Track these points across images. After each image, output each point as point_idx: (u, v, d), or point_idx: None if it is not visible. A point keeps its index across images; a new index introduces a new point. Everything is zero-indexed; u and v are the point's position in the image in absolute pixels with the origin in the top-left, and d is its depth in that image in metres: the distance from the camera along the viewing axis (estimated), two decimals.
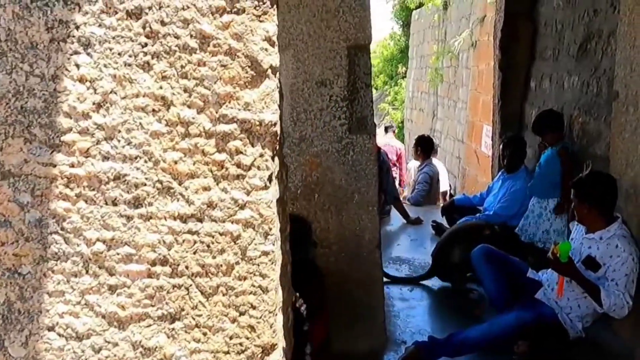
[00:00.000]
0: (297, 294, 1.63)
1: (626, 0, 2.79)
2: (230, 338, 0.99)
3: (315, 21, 2.48)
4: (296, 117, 2.53)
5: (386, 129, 7.44)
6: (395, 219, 5.21)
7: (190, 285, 0.98)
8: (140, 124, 0.95)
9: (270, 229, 0.98)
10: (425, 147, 5.82)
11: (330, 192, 2.60)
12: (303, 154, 2.54)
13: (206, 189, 0.96)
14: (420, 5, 11.92)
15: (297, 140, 2.53)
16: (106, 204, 0.96)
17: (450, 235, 3.70)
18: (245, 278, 0.98)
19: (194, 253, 0.97)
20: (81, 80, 0.94)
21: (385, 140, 6.97)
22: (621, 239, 2.50)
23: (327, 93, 2.49)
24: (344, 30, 2.48)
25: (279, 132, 0.99)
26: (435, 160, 6.56)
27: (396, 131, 7.43)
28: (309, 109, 2.51)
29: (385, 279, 3.66)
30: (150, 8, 0.93)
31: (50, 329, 0.97)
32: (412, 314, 3.23)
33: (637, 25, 2.65)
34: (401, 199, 5.87)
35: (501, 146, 4.43)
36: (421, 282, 3.70)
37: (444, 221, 4.79)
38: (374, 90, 9.08)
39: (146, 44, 0.94)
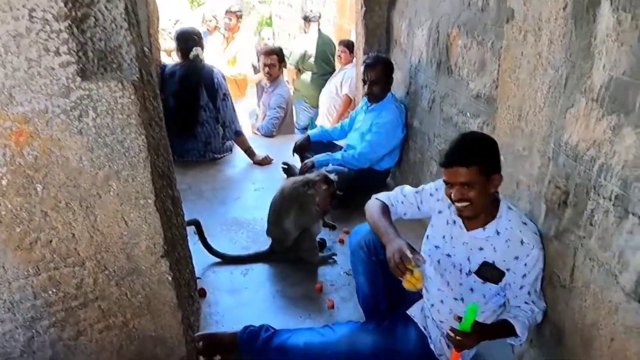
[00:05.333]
0: None
1: None
2: None
3: None
4: None
5: (307, 19, 5.80)
6: (239, 158, 4.20)
7: None
8: None
9: None
10: (281, 59, 4.72)
11: (64, 180, 1.49)
12: None
13: None
14: None
15: None
16: None
17: (281, 200, 2.79)
18: None
19: None
20: None
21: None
22: (523, 228, 1.77)
23: (25, 5, 1.30)
24: None
25: None
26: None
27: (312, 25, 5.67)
28: None
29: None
30: None
31: None
32: (242, 315, 2.35)
33: None
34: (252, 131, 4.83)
35: (363, 68, 3.52)
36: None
37: (297, 161, 3.89)
38: None
39: None
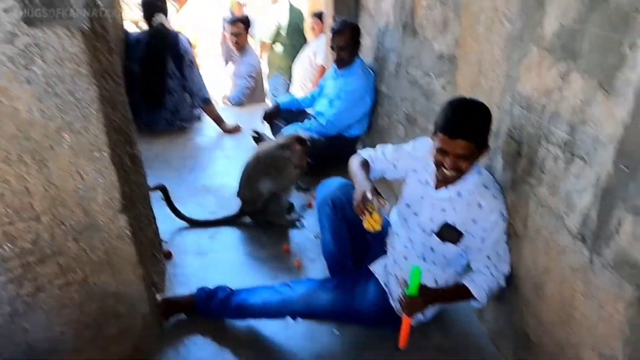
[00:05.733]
0: None
1: None
2: None
3: None
4: None
5: None
6: (208, 127, 4.16)
7: None
8: None
9: None
10: (247, 27, 4.64)
11: (15, 131, 1.46)
12: None
13: None
14: None
15: None
16: None
17: (256, 164, 2.79)
18: None
19: None
20: None
21: None
22: (483, 192, 1.77)
23: None
24: None
25: None
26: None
27: None
28: None
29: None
30: None
31: None
32: (209, 276, 2.36)
33: None
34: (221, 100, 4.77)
35: (331, 34, 3.50)
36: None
37: (267, 129, 3.88)
38: None
39: None
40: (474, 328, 2.12)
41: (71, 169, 1.55)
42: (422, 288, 1.71)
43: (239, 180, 2.84)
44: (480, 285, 1.79)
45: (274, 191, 2.73)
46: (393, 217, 2.13)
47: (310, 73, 5.19)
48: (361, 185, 1.84)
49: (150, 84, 3.85)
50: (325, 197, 2.09)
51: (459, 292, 1.82)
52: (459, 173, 1.73)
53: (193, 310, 2.08)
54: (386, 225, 2.10)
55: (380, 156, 2.08)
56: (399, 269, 1.99)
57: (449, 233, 1.85)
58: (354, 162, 2.05)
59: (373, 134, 3.72)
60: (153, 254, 2.08)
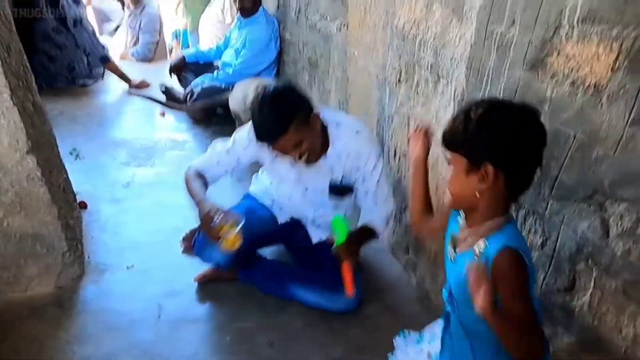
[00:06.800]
0: None
1: None
2: None
3: None
4: None
5: None
6: (114, 83, 4.10)
7: None
8: None
9: None
10: None
11: None
12: None
13: None
14: None
15: None
16: None
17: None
18: None
19: None
20: None
21: None
22: (356, 138, 1.79)
23: None
24: None
25: None
26: None
27: None
28: None
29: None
30: None
31: None
32: (124, 223, 2.45)
33: None
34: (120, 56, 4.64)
35: None
36: None
37: (174, 82, 3.90)
38: None
39: None
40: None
41: None
42: (349, 235, 1.69)
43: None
44: (379, 221, 1.86)
45: None
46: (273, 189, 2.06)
47: (220, 31, 5.16)
48: (203, 207, 1.73)
49: (19, 25, 3.71)
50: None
51: (369, 232, 1.87)
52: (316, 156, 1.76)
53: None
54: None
55: (215, 160, 1.92)
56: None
57: (341, 190, 1.89)
58: (188, 183, 1.87)
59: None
60: (67, 200, 2.14)
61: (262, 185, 2.11)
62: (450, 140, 1.03)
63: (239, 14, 3.67)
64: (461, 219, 1.13)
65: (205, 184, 1.88)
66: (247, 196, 2.13)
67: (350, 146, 1.78)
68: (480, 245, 1.02)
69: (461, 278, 1.02)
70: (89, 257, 2.20)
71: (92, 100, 3.87)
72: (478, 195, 1.02)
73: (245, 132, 1.86)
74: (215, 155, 1.92)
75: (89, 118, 3.57)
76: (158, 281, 2.10)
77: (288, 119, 1.59)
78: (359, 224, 1.90)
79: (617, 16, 1.01)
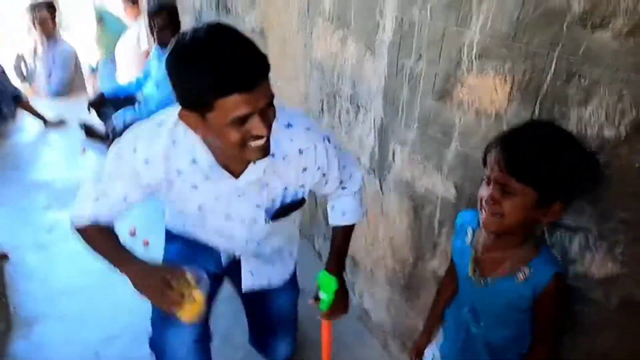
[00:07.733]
0: None
1: None
2: None
3: None
4: None
5: None
6: (28, 124, 3.91)
7: None
8: None
9: None
10: (53, 15, 4.37)
11: None
12: None
13: None
14: None
15: None
16: None
17: None
18: None
19: None
20: None
21: None
22: (291, 136, 1.23)
23: None
24: None
25: None
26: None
27: None
28: None
29: None
30: None
31: None
32: (51, 269, 2.35)
33: None
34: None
35: (148, 16, 3.52)
36: None
37: (95, 119, 3.78)
38: None
39: None
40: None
41: None
42: (336, 291, 1.48)
43: None
44: (353, 210, 1.50)
45: None
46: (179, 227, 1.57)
47: (137, 60, 5.07)
48: (142, 269, 1.28)
49: None
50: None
51: (346, 233, 1.54)
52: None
53: None
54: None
55: (105, 200, 1.30)
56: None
57: (288, 207, 1.39)
58: (90, 240, 1.39)
59: None
60: None
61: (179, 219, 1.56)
62: (522, 173, 0.97)
63: (156, 44, 3.65)
64: (469, 235, 1.19)
65: (115, 235, 1.38)
66: (172, 237, 1.61)
67: (286, 146, 1.26)
68: (525, 272, 1.07)
69: (499, 302, 1.11)
70: (14, 308, 2.10)
71: (6, 141, 3.67)
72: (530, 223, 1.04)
73: (140, 155, 1.23)
74: (103, 193, 1.30)
75: (4, 161, 3.39)
76: (93, 327, 2.04)
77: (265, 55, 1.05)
78: (332, 222, 1.52)
79: (508, 52, 1.14)
